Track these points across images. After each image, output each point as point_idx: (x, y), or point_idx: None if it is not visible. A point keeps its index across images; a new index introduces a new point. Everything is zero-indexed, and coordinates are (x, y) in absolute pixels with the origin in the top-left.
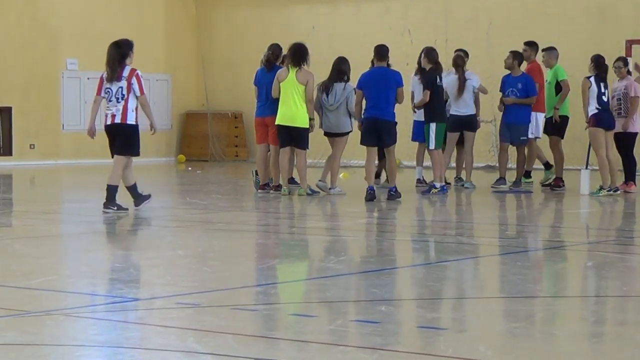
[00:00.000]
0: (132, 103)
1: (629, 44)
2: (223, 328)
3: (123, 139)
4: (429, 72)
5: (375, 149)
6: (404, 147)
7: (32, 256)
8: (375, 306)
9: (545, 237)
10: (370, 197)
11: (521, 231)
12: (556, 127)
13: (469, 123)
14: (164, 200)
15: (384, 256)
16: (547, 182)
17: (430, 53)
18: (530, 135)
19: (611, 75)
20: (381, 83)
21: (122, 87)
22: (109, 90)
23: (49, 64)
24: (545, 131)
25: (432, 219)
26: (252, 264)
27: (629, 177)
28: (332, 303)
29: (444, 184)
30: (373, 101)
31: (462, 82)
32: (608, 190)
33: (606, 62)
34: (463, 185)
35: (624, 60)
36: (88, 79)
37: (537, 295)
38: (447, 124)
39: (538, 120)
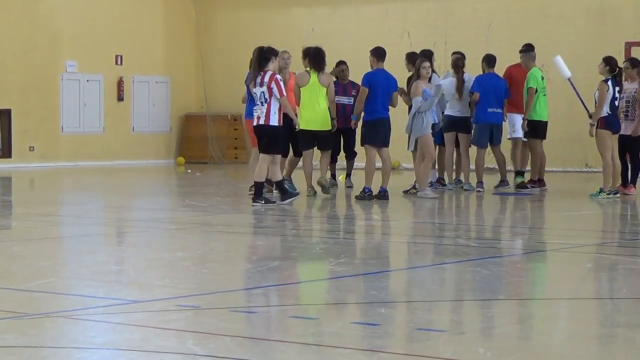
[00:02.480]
0: (274, 106)
1: (629, 46)
2: (222, 330)
3: (267, 139)
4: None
5: (375, 149)
6: (404, 150)
7: (31, 258)
8: (374, 308)
9: (544, 239)
10: (368, 197)
11: (520, 233)
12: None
13: (463, 125)
14: (164, 202)
15: (383, 258)
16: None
17: (411, 57)
18: (519, 135)
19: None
20: (386, 84)
21: (264, 92)
22: (255, 94)
23: (48, 66)
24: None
25: (431, 221)
26: (251, 266)
27: (631, 179)
28: (331, 305)
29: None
30: (380, 102)
31: (461, 84)
32: (608, 194)
33: (618, 64)
34: (462, 187)
35: (631, 61)
36: (87, 81)
37: (537, 298)
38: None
39: (516, 121)
